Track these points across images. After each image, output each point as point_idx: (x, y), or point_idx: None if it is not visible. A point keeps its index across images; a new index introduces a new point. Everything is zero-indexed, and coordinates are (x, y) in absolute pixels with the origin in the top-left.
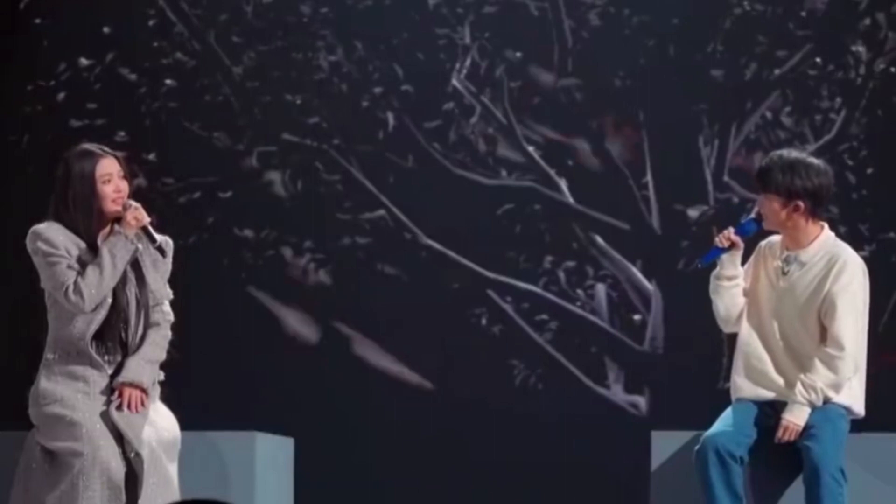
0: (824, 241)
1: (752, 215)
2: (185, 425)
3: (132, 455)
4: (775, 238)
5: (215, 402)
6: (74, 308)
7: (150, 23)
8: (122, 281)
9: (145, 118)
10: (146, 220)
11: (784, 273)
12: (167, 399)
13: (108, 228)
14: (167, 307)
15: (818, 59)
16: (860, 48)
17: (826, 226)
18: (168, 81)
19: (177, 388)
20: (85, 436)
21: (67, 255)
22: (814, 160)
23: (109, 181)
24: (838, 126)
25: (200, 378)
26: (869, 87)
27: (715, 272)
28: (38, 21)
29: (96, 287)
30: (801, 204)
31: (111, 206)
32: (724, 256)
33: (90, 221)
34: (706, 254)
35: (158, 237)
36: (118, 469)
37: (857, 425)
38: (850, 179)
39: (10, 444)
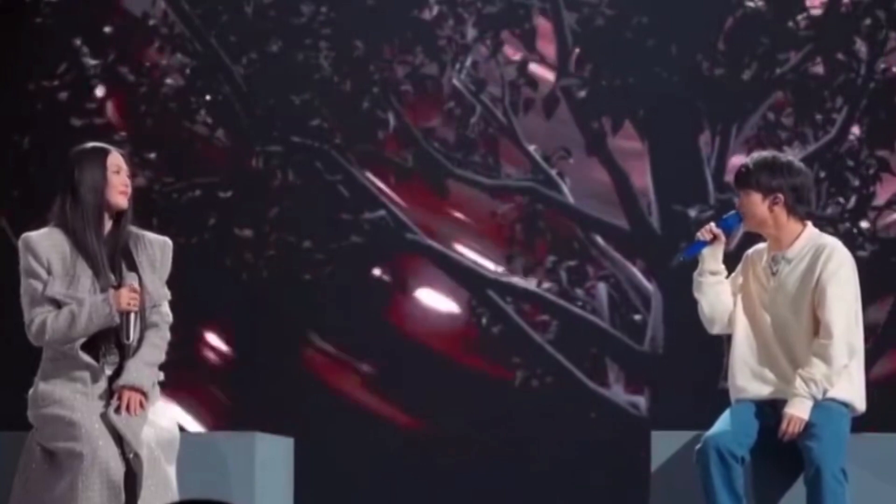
0: (809, 237)
1: (735, 211)
2: (184, 425)
3: (131, 456)
4: (761, 245)
5: (216, 402)
6: (31, 339)
7: (151, 22)
8: (119, 283)
9: (145, 118)
10: (135, 309)
11: (773, 273)
12: (167, 399)
13: (109, 227)
14: (166, 308)
15: (819, 59)
16: (861, 48)
17: (809, 223)
18: (168, 81)
19: (177, 389)
20: (84, 436)
21: (47, 277)
22: (793, 160)
23: (119, 172)
24: (839, 126)
25: (200, 378)
26: (870, 87)
27: (697, 269)
28: (39, 20)
29: (60, 335)
30: (780, 196)
31: (118, 198)
32: (706, 251)
33: (97, 212)
34: (689, 247)
35: (157, 237)
36: (117, 469)
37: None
38: (851, 179)
39: (10, 444)
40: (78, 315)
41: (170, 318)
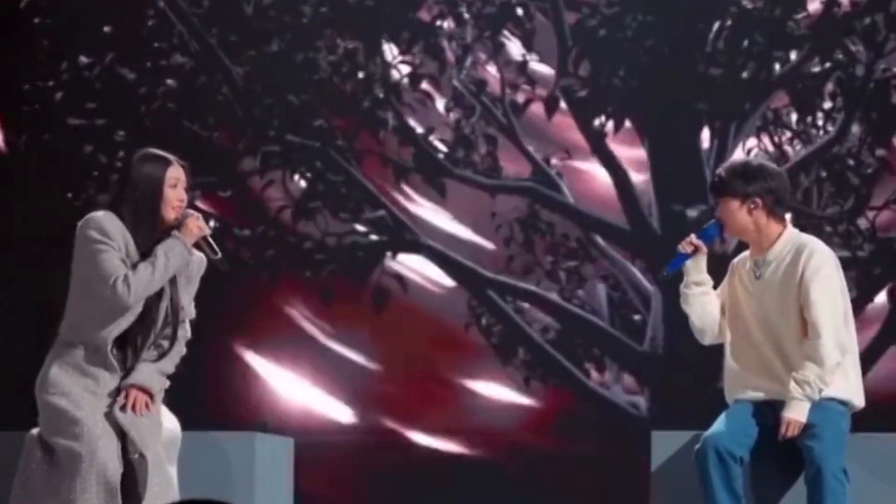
0: (788, 237)
1: (714, 220)
2: (185, 425)
3: (136, 456)
4: (745, 253)
5: (215, 402)
6: (118, 301)
7: (150, 23)
8: (158, 292)
9: (145, 118)
10: (207, 230)
11: (757, 277)
12: (167, 399)
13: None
14: (188, 325)
15: (818, 59)
16: (860, 48)
17: (788, 222)
18: (168, 81)
19: (177, 389)
20: (85, 435)
21: (118, 248)
22: (766, 163)
23: (175, 186)
24: (838, 126)
25: (201, 378)
26: (869, 87)
27: (683, 282)
28: (37, 20)
29: (145, 285)
30: (758, 200)
31: (171, 213)
32: (689, 263)
33: (149, 224)
34: (671, 262)
35: (198, 254)
36: (115, 470)
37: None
38: (851, 179)
39: (10, 444)
40: (155, 262)
41: (189, 334)
